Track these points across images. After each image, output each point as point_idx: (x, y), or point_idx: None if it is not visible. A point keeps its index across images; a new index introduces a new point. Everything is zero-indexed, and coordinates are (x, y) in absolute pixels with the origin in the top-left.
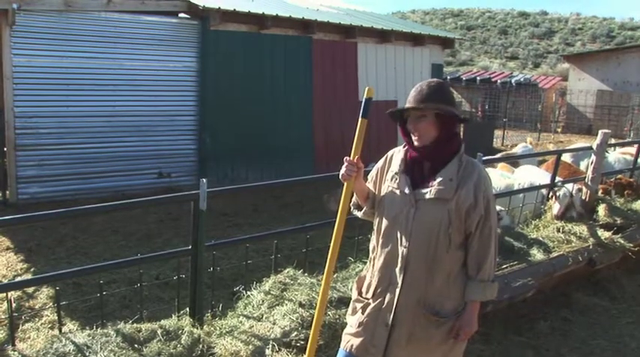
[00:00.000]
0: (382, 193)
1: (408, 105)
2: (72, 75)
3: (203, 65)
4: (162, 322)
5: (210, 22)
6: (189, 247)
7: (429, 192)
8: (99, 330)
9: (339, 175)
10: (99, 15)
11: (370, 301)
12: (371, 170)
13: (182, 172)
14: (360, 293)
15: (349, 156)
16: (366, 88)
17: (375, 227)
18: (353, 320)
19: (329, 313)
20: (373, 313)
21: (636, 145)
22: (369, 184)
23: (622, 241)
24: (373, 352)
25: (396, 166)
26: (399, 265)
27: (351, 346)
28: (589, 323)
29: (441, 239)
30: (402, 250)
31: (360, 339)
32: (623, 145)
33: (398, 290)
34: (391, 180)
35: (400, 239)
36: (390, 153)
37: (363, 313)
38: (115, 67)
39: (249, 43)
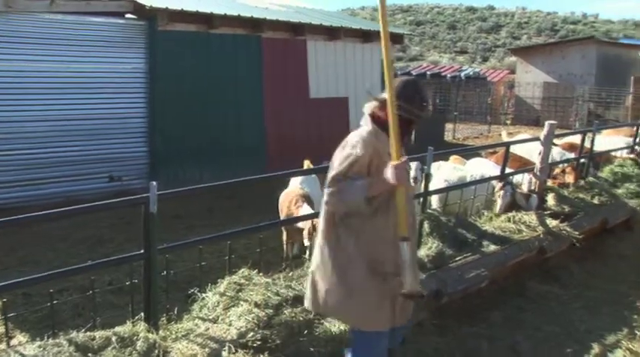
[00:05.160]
0: None
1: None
2: (16, 78)
3: (152, 66)
4: (117, 328)
5: (157, 22)
6: (142, 251)
7: None
8: (50, 340)
9: (292, 172)
10: (42, 16)
11: (387, 276)
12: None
13: (133, 175)
14: (373, 272)
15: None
16: None
17: (377, 208)
18: (372, 298)
19: (285, 312)
20: (392, 284)
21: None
22: (364, 172)
23: (569, 230)
24: (395, 320)
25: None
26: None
27: (383, 323)
28: (542, 310)
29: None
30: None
31: (385, 312)
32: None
33: (407, 258)
34: None
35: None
36: (365, 139)
37: (382, 287)
38: (62, 70)
39: (198, 43)
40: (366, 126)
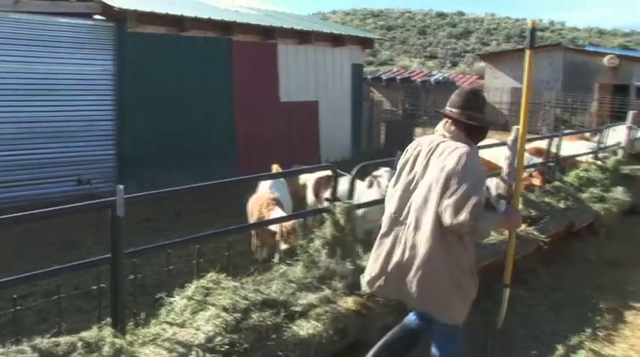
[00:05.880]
0: None
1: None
2: None
3: (121, 68)
4: (83, 334)
5: (127, 24)
6: (108, 255)
7: None
8: (13, 347)
9: (260, 176)
10: (6, 15)
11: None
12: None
13: (102, 178)
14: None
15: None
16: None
17: None
18: (472, 297)
19: (253, 316)
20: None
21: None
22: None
23: (535, 233)
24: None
25: None
26: None
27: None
28: (508, 313)
29: None
30: None
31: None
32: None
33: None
34: None
35: None
36: (477, 159)
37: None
38: (28, 71)
39: (168, 46)
40: (462, 142)
